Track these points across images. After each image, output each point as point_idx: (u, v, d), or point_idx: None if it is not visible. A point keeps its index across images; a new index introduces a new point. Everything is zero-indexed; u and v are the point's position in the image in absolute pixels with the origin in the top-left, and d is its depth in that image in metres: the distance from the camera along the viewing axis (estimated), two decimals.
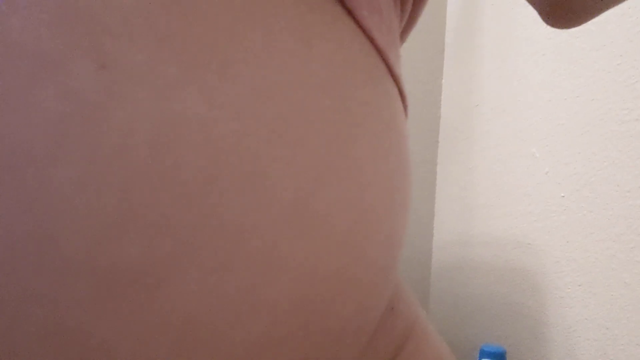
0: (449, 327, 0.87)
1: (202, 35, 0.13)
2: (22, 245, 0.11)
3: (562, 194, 0.64)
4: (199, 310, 0.13)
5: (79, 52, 0.11)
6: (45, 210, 0.11)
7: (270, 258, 0.14)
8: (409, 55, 0.92)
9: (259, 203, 0.13)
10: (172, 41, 0.12)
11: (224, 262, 0.13)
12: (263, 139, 0.13)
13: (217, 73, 0.13)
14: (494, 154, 0.78)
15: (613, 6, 0.24)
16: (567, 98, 0.64)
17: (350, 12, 0.17)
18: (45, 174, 0.11)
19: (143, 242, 0.12)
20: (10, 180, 0.11)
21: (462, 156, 0.87)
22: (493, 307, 0.76)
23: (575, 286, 0.61)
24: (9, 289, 0.11)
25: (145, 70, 0.12)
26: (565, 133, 0.64)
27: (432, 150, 0.96)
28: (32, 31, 0.11)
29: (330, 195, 0.15)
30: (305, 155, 0.14)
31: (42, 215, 0.11)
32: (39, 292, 0.11)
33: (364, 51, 0.18)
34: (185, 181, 0.12)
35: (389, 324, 0.22)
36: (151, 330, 0.12)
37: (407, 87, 0.21)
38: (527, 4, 0.26)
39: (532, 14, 0.70)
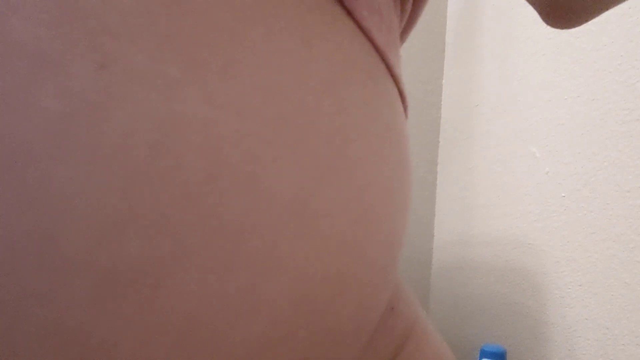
0: (449, 327, 0.87)
1: (203, 35, 0.13)
2: (22, 245, 0.11)
3: (562, 194, 0.64)
4: (199, 310, 0.13)
5: (79, 52, 0.11)
6: (45, 210, 0.11)
7: (270, 258, 0.14)
8: (409, 55, 0.92)
9: (259, 203, 0.13)
10: (173, 41, 0.12)
11: (224, 262, 0.13)
12: (263, 139, 0.13)
13: (217, 73, 0.13)
14: (494, 154, 0.78)
15: (613, 6, 0.24)
16: (567, 98, 0.64)
17: (350, 13, 0.17)
18: (45, 174, 0.11)
19: (143, 242, 0.12)
20: (10, 180, 0.11)
21: (462, 156, 0.87)
22: (493, 307, 0.76)
23: (575, 286, 0.61)
24: (9, 289, 0.11)
25: (146, 70, 0.12)
26: (565, 133, 0.64)
27: (432, 150, 0.96)
28: (31, 31, 0.11)
29: (330, 195, 0.15)
30: (305, 156, 0.14)
31: (42, 215, 0.11)
32: (39, 291, 0.11)
33: (364, 51, 0.18)
34: (185, 181, 0.12)
35: (389, 324, 0.22)
36: (151, 330, 0.12)
37: (407, 87, 0.21)
38: (527, 4, 0.26)
39: (532, 14, 0.70)
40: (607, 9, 0.24)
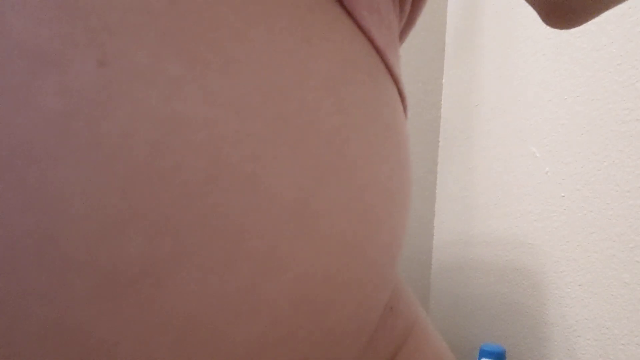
0: (449, 327, 0.87)
1: (203, 33, 0.13)
2: (22, 244, 0.11)
3: (562, 194, 0.64)
4: (199, 309, 0.13)
5: (79, 50, 0.11)
6: (45, 210, 0.11)
7: (270, 258, 0.14)
8: (409, 55, 0.92)
9: (259, 203, 0.13)
10: (173, 39, 0.12)
11: (224, 261, 0.13)
12: (263, 139, 0.13)
13: (217, 72, 0.13)
14: (494, 154, 0.78)
15: (613, 6, 0.24)
16: (567, 98, 0.64)
17: (349, 13, 0.17)
18: (45, 174, 0.11)
19: (143, 242, 0.12)
20: (10, 179, 0.11)
21: (462, 156, 0.87)
22: (493, 306, 0.76)
23: (575, 286, 0.61)
24: (9, 288, 0.11)
25: (146, 68, 0.12)
26: (565, 133, 0.64)
27: (432, 150, 0.96)
28: (31, 29, 0.11)
29: (330, 195, 0.15)
30: (305, 155, 0.14)
31: (42, 215, 0.11)
32: (39, 291, 0.11)
33: (364, 51, 0.18)
34: (185, 181, 0.12)
35: (389, 324, 0.22)
36: (151, 329, 0.12)
37: (407, 87, 0.21)
38: (527, 4, 0.26)
39: (532, 14, 0.70)
40: (606, 9, 0.24)
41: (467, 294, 0.83)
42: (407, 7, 0.22)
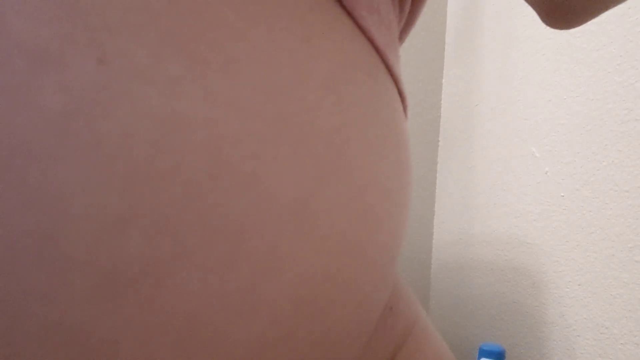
0: (449, 327, 0.87)
1: (203, 32, 0.13)
2: (22, 244, 0.11)
3: (562, 194, 0.64)
4: (200, 309, 0.13)
5: (79, 49, 0.11)
6: (45, 210, 0.11)
7: (270, 258, 0.14)
8: (409, 55, 0.92)
9: (259, 203, 0.13)
10: (173, 38, 0.12)
11: (225, 261, 0.13)
12: (263, 139, 0.13)
13: (218, 71, 0.13)
14: (494, 154, 0.78)
15: (613, 6, 0.24)
16: (567, 98, 0.64)
17: (349, 12, 0.17)
18: (45, 173, 0.11)
19: (143, 242, 0.12)
20: (10, 179, 0.11)
21: (462, 156, 0.87)
22: (493, 306, 0.76)
23: (574, 285, 0.61)
24: (9, 288, 0.11)
25: (146, 67, 0.12)
26: (565, 133, 0.64)
27: (432, 150, 0.96)
28: (31, 28, 0.11)
29: (330, 195, 0.15)
30: (305, 155, 0.14)
31: (42, 215, 0.11)
32: (39, 291, 0.11)
33: (364, 51, 0.18)
34: (185, 181, 0.12)
35: (388, 324, 0.22)
36: (151, 329, 0.12)
37: (407, 87, 0.21)
38: (527, 4, 0.26)
39: (532, 14, 0.70)
40: (606, 9, 0.24)
41: (467, 293, 0.83)
42: (407, 7, 0.22)
